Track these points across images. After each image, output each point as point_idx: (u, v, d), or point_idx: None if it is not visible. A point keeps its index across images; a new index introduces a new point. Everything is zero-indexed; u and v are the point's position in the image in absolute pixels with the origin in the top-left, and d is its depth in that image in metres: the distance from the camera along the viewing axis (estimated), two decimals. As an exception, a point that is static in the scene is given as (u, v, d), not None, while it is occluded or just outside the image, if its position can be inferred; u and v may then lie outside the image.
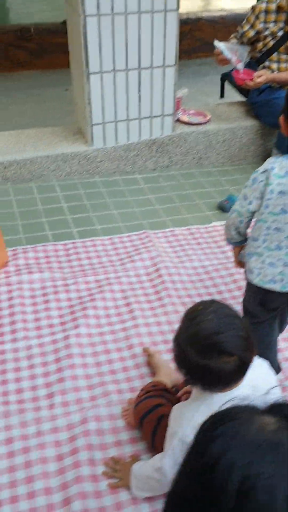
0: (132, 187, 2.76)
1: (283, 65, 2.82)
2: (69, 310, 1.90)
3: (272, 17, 2.76)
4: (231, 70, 3.09)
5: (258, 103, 2.89)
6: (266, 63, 2.84)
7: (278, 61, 2.82)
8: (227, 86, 3.11)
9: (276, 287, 1.43)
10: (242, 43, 2.89)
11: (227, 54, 2.65)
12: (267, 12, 2.76)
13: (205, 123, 2.93)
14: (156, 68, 2.62)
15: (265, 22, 2.77)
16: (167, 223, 2.47)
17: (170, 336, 1.79)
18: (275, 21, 2.76)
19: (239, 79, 2.69)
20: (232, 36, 2.91)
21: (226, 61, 2.73)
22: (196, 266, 2.17)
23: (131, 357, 1.72)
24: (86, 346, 1.75)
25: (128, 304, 1.94)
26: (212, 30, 5.32)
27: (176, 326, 1.84)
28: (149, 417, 1.35)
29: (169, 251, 2.26)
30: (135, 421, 1.42)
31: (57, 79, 4.74)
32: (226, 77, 3.10)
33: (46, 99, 4.29)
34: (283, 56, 2.81)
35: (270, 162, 1.36)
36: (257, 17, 2.78)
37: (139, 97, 2.67)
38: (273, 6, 2.75)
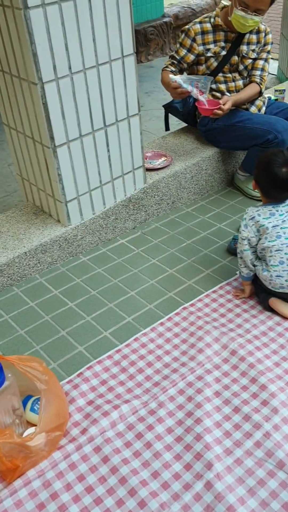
0: (127, 256, 2.41)
1: (231, 84, 2.69)
2: (182, 446, 1.54)
3: (210, 37, 2.59)
4: (171, 102, 2.88)
5: (217, 129, 2.71)
6: (213, 86, 2.69)
7: (226, 82, 2.68)
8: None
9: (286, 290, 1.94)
10: (182, 69, 2.69)
11: (187, 86, 2.43)
12: (203, 33, 2.58)
13: (170, 164, 2.69)
14: (121, 121, 2.29)
15: (204, 43, 2.60)
16: (193, 287, 2.19)
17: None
18: (215, 41, 2.60)
19: (207, 110, 2.49)
20: (167, 62, 2.69)
21: (185, 94, 2.51)
22: (269, 331, 1.93)
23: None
24: (239, 481, 1.42)
25: (236, 410, 1.63)
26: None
27: None
28: None
29: (223, 321, 1.99)
30: None
31: None
32: (170, 108, 2.88)
33: None
34: (229, 75, 2.67)
35: (253, 211, 1.96)
36: (194, 40, 2.59)
37: (109, 157, 2.32)
38: (208, 26, 2.58)
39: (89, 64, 2.04)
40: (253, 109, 2.73)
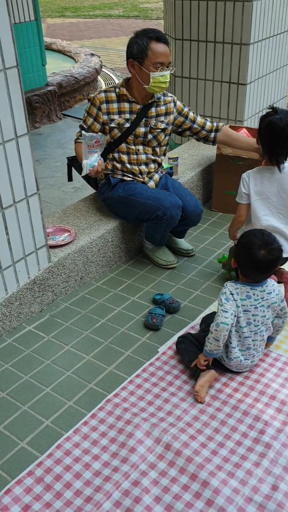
0: (37, 345, 2.19)
1: (133, 157, 2.66)
2: None
3: (115, 107, 2.56)
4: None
5: (112, 198, 2.64)
6: (115, 155, 2.64)
7: (128, 153, 2.65)
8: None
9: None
10: None
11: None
12: (108, 101, 2.55)
13: (74, 239, 2.56)
14: (20, 202, 2.14)
15: (109, 113, 2.57)
16: (115, 373, 2.03)
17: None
18: (119, 112, 2.57)
19: None
20: (78, 134, 2.64)
21: (99, 172, 2.50)
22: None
23: None
24: None
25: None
26: None
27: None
28: None
29: (152, 410, 1.84)
30: None
31: None
32: (73, 162, 2.80)
33: None
34: (132, 147, 2.63)
35: (232, 288, 1.85)
36: (99, 109, 2.55)
37: (8, 240, 2.14)
38: (113, 95, 2.56)
39: (-21, 146, 1.89)
40: (151, 183, 2.73)
